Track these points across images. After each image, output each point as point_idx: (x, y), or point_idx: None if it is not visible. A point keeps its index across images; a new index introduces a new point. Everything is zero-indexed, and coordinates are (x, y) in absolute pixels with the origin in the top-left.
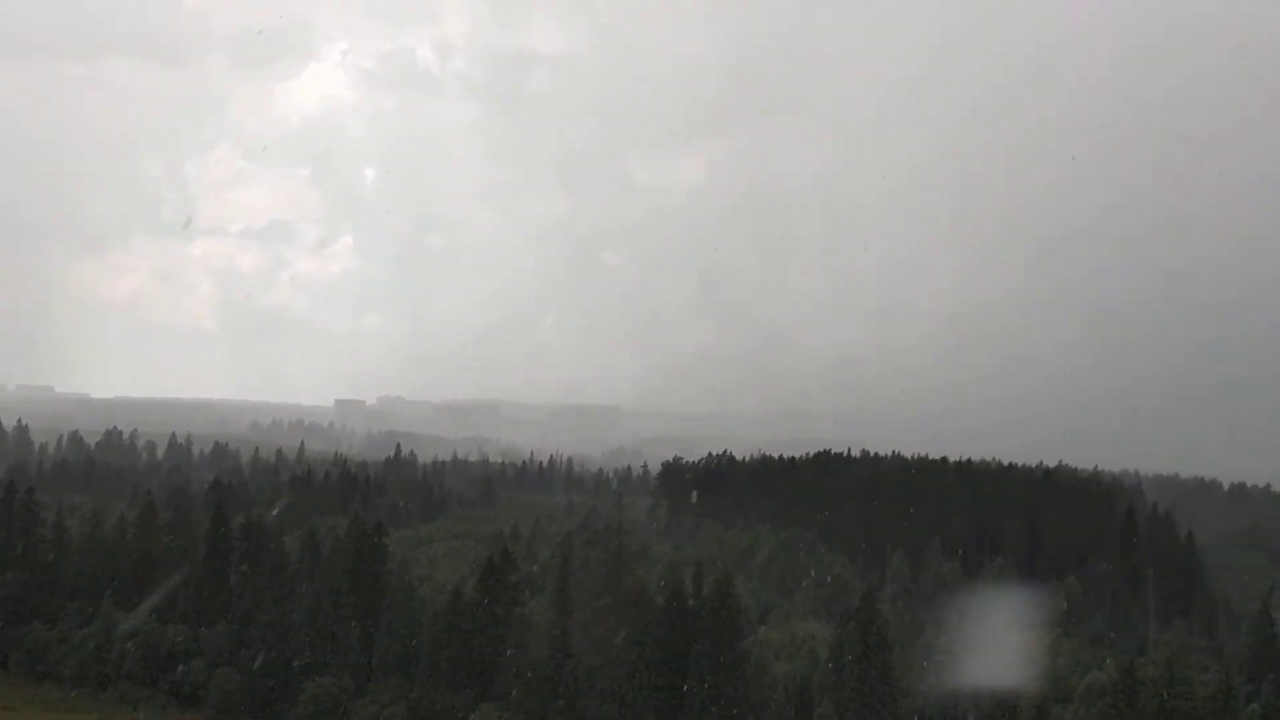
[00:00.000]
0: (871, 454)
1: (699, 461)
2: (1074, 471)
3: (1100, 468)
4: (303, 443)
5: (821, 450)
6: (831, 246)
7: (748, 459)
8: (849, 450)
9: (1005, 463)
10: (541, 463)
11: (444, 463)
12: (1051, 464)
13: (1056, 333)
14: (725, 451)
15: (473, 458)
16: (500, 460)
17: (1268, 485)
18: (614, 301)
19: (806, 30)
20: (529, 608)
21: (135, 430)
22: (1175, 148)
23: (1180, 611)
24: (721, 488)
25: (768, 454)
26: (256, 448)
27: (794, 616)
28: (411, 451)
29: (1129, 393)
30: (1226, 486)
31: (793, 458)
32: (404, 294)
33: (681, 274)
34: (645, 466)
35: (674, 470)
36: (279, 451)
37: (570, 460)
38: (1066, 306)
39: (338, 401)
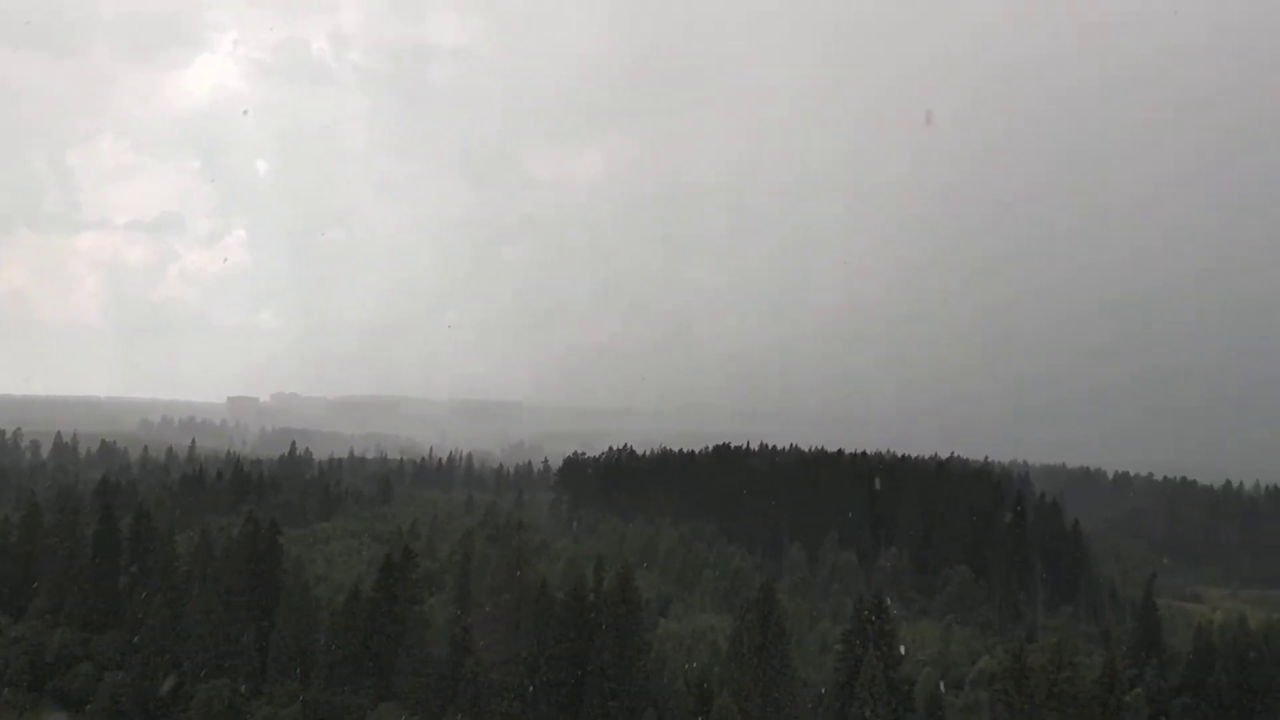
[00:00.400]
0: (770, 447)
1: (600, 456)
2: (965, 462)
3: (990, 458)
4: (194, 441)
5: (721, 444)
6: (732, 241)
7: (648, 454)
8: (748, 444)
9: (899, 454)
10: (441, 459)
11: (340, 460)
12: (944, 455)
13: (949, 327)
14: (626, 446)
15: (370, 455)
16: (399, 457)
17: (1149, 474)
18: (515, 296)
19: (709, 30)
20: (429, 605)
21: (19, 429)
22: (1081, 149)
23: (1067, 598)
24: (622, 482)
25: (668, 448)
26: (146, 446)
27: (695, 609)
28: (307, 449)
29: (1018, 386)
30: (1110, 476)
31: (692, 452)
32: (299, 288)
33: (583, 269)
34: (546, 462)
35: (574, 465)
36: (169, 450)
37: (470, 456)
38: (960, 301)
39: (230, 398)
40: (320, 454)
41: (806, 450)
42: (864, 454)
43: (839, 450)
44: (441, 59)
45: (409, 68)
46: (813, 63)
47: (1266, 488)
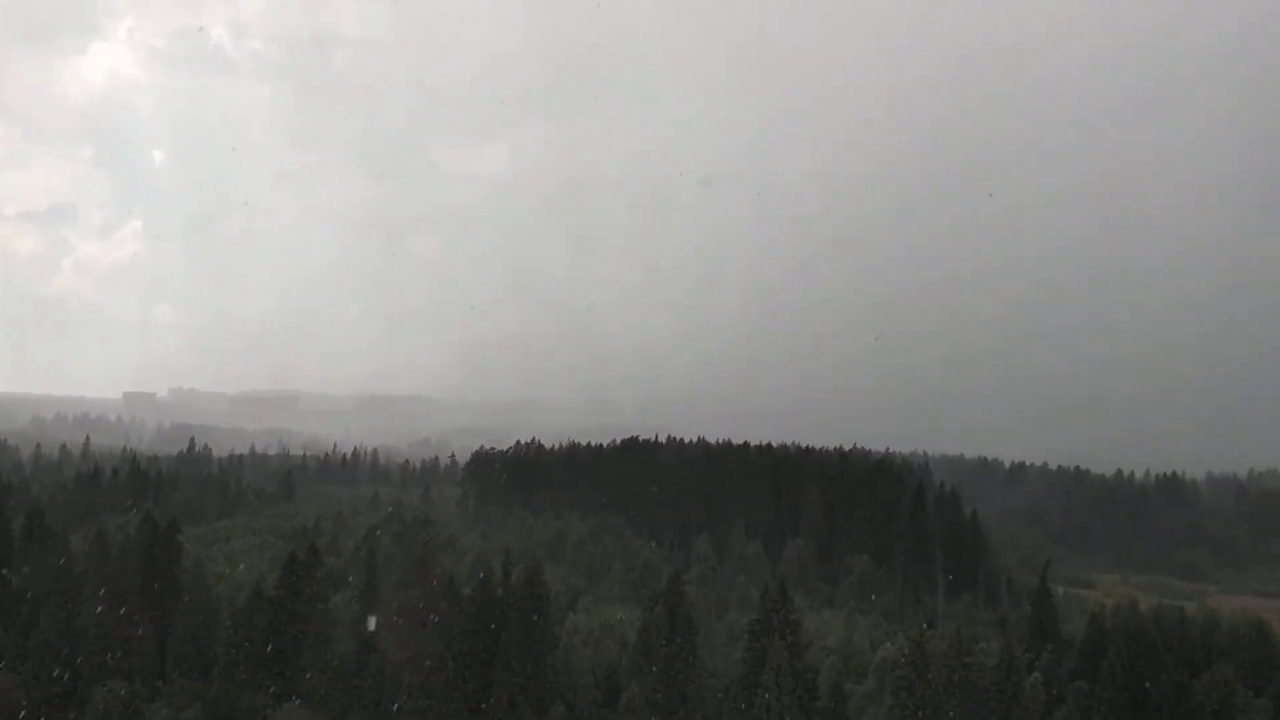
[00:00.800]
0: (677, 440)
1: (507, 451)
2: (868, 453)
3: (892, 449)
4: (88, 438)
5: (629, 438)
6: (642, 236)
7: (557, 448)
8: (656, 437)
9: (804, 446)
10: (345, 455)
11: (241, 457)
12: (847, 447)
13: (852, 320)
14: (534, 440)
15: (272, 451)
16: (301, 453)
17: (1045, 464)
18: (421, 289)
19: (620, 26)
20: (333, 603)
21: None
22: (985, 148)
23: (967, 586)
24: (530, 477)
25: (576, 442)
26: (38, 444)
27: (603, 602)
28: (206, 445)
29: (919, 378)
30: (1007, 466)
31: (600, 445)
32: (198, 281)
33: (490, 262)
34: (453, 457)
35: (482, 460)
36: (63, 447)
37: (375, 452)
38: (861, 295)
39: (126, 394)
40: (220, 450)
41: (713, 443)
42: (769, 446)
43: (745, 443)
44: (345, 48)
45: (311, 57)
46: (723, 60)
47: (1157, 477)
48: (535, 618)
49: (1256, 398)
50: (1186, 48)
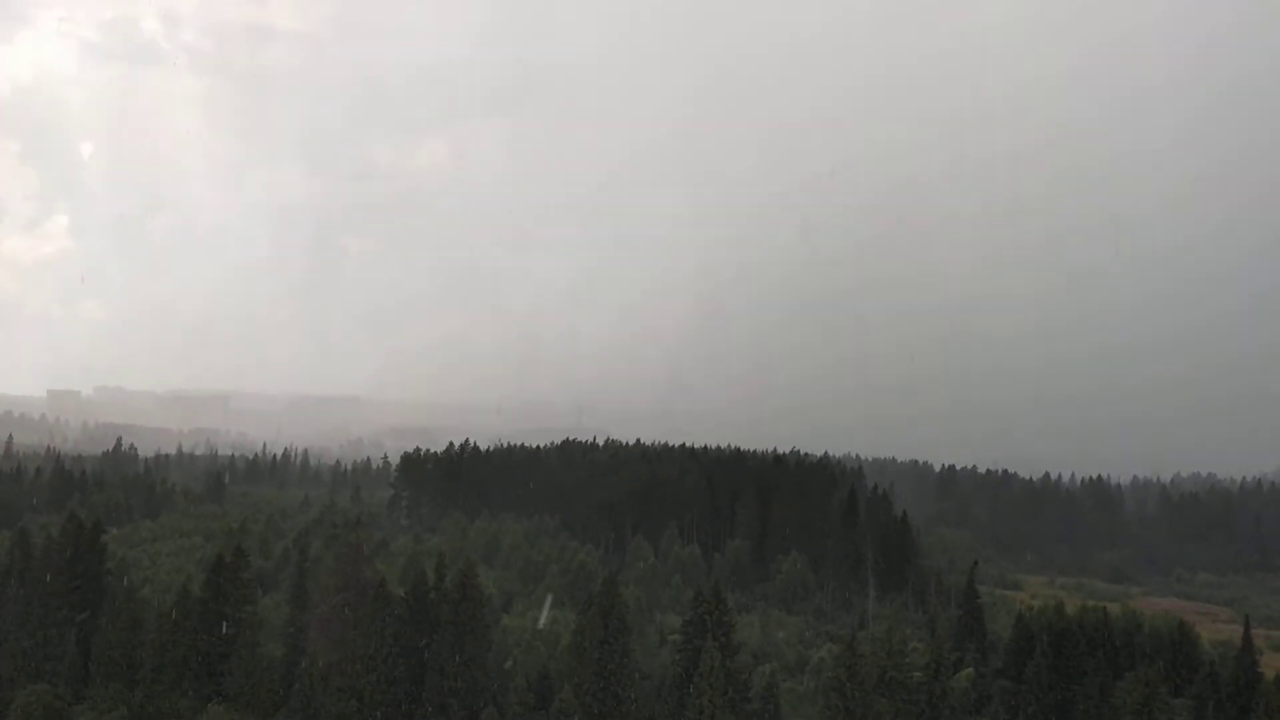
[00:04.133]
0: (613, 442)
1: (441, 452)
2: (802, 456)
3: (828, 453)
4: (11, 436)
5: (565, 439)
6: (581, 239)
7: (491, 449)
8: (592, 439)
9: (739, 448)
10: (275, 456)
11: (168, 456)
12: (783, 449)
13: (789, 325)
14: (468, 442)
15: (200, 451)
16: (230, 454)
17: (974, 467)
18: (355, 288)
19: (563, 28)
20: (262, 605)
21: None
22: (928, 161)
23: (897, 586)
24: (465, 479)
25: (511, 444)
26: None
27: (538, 604)
28: (132, 445)
29: (854, 382)
30: (938, 469)
31: (536, 446)
32: (125, 277)
33: (427, 262)
34: (385, 458)
35: (415, 461)
36: None
37: (306, 453)
38: (799, 299)
39: (51, 392)
40: (146, 450)
41: (649, 445)
42: (705, 448)
43: (681, 444)
44: (281, 42)
45: (245, 50)
46: (661, 63)
47: (1082, 480)
48: (468, 620)
49: (1179, 404)
50: (1136, 71)
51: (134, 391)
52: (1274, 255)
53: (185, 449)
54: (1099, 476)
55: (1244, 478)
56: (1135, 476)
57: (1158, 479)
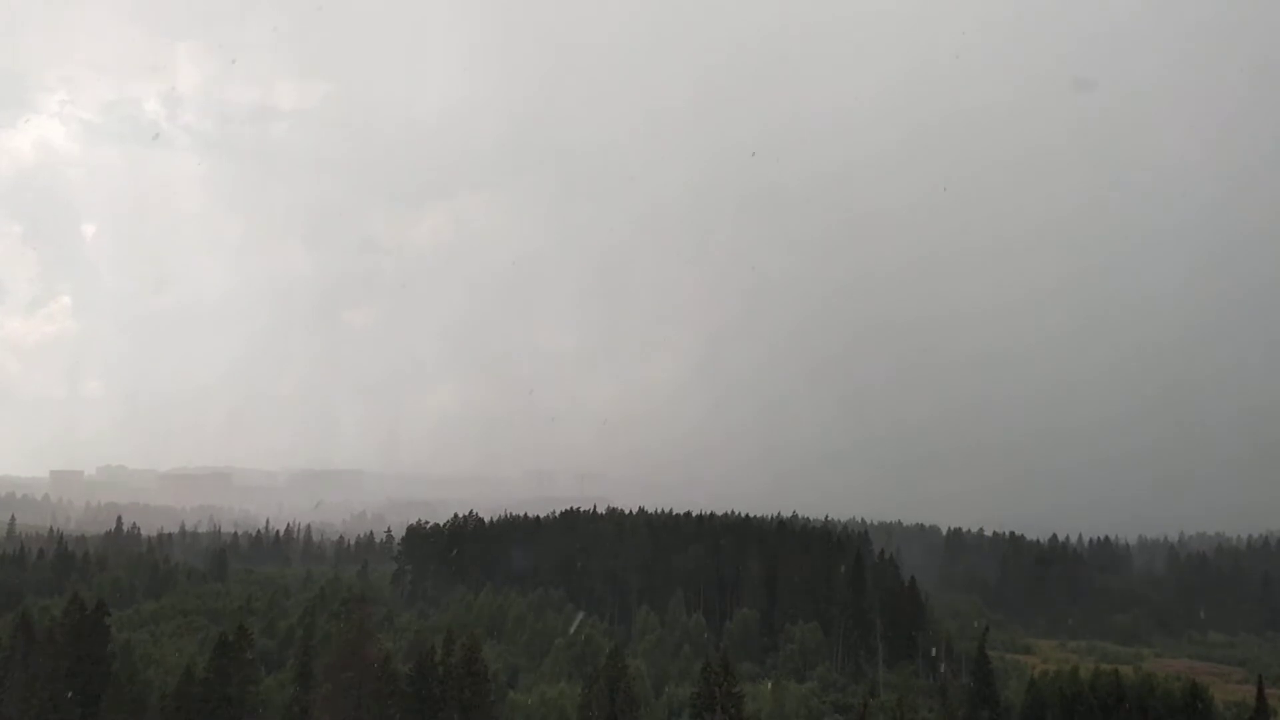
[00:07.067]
0: (617, 511)
1: (445, 525)
2: (806, 521)
3: (830, 517)
4: (13, 517)
5: (568, 509)
6: (583, 305)
7: (494, 520)
8: (595, 508)
9: (743, 514)
10: (278, 532)
11: (171, 535)
12: (786, 514)
13: (793, 389)
14: (471, 513)
15: (203, 529)
16: (233, 531)
17: (981, 530)
18: (356, 362)
19: (555, 97)
20: (266, 685)
21: None
22: (924, 237)
23: (906, 653)
24: (468, 551)
25: (515, 514)
26: None
27: (544, 678)
28: (135, 524)
29: (857, 447)
30: (944, 532)
31: (539, 517)
32: (127, 357)
33: (426, 333)
34: (389, 532)
35: (418, 534)
36: None
37: (309, 528)
38: (802, 363)
39: (53, 472)
40: (149, 529)
41: (653, 513)
42: (710, 514)
43: (686, 512)
44: (282, 120)
45: (246, 129)
46: (657, 127)
47: (1090, 541)
48: (474, 697)
49: (1186, 464)
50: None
51: (136, 470)
52: None
53: (188, 527)
54: (1107, 537)
55: (1250, 536)
56: (1143, 536)
57: (1165, 539)
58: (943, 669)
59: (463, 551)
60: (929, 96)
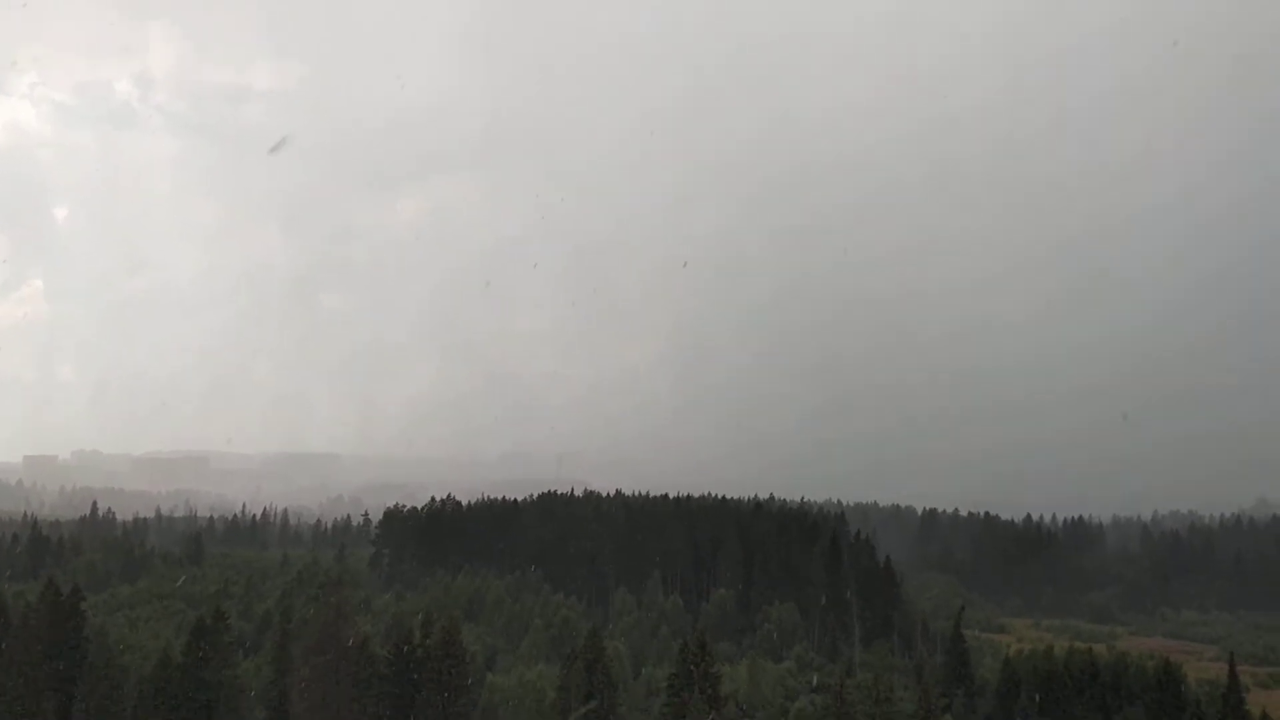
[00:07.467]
0: (594, 493)
1: (422, 508)
2: (783, 503)
3: (807, 499)
4: None
5: (545, 492)
6: (559, 290)
7: (472, 503)
8: (572, 490)
9: (720, 496)
10: (255, 515)
11: (146, 520)
12: (763, 496)
13: (769, 372)
14: (449, 496)
15: (179, 513)
16: (209, 515)
17: (955, 510)
18: (333, 345)
19: (538, 84)
20: (243, 669)
21: None
22: (913, 222)
23: (882, 632)
24: (446, 533)
25: (492, 497)
26: None
27: (523, 660)
28: (110, 509)
29: (832, 428)
30: (919, 512)
31: (516, 500)
32: (101, 340)
33: (405, 317)
34: (366, 515)
35: (395, 518)
36: None
37: (285, 512)
38: (778, 346)
39: (27, 457)
40: (125, 514)
41: (630, 495)
42: (688, 497)
43: (663, 494)
44: (256, 102)
45: (220, 110)
46: (637, 119)
47: (1064, 521)
48: (452, 679)
49: (1158, 441)
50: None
51: (111, 455)
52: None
53: (164, 511)
54: (1080, 517)
55: (1223, 514)
56: (1116, 515)
57: (1138, 518)
58: (919, 648)
59: (440, 534)
60: (916, 96)
